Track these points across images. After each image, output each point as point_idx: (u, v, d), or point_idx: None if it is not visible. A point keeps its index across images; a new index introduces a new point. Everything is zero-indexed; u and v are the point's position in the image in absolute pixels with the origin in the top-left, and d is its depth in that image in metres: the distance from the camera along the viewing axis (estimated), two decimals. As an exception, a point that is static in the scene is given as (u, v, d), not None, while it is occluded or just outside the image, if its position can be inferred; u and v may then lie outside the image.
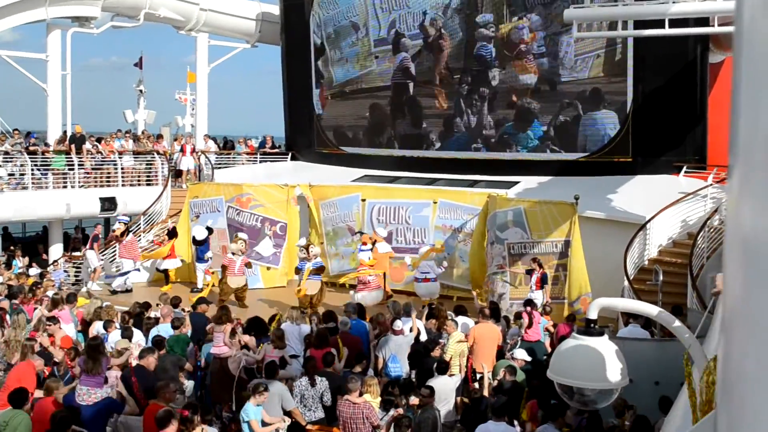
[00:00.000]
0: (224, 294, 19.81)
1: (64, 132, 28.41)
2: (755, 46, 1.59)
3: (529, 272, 17.82)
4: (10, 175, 24.46)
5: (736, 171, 1.72)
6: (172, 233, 22.34)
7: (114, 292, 21.00)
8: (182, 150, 28.20)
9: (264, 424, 10.51)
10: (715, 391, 3.93)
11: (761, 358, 1.50)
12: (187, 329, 14.09)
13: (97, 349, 11.12)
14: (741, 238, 1.65)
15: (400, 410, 10.82)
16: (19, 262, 23.81)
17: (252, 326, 14.19)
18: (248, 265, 20.35)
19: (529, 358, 13.00)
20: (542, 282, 17.51)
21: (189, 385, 12.47)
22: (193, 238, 21.69)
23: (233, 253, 20.38)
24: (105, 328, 14.38)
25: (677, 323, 4.90)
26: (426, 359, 12.85)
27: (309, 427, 10.84)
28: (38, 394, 10.92)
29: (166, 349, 12.78)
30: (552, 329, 14.85)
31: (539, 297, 17.01)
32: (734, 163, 1.73)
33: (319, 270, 19.24)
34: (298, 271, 19.60)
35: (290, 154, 30.87)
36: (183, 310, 16.06)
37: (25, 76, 27.88)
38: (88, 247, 22.73)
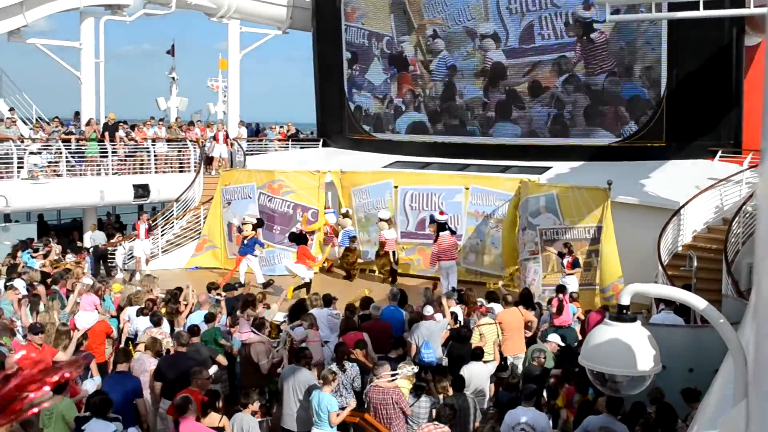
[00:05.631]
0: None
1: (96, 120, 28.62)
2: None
3: (561, 255, 17.77)
4: (50, 162, 24.74)
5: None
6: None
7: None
8: (215, 137, 28.36)
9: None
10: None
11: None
12: (221, 317, 14.17)
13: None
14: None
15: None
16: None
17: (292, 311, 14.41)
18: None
19: (562, 343, 12.96)
20: (573, 266, 17.45)
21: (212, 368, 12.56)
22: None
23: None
24: (137, 314, 14.64)
25: (709, 308, 4.85)
26: (459, 345, 12.86)
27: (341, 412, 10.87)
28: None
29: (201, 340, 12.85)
30: (582, 316, 14.80)
31: (572, 281, 16.95)
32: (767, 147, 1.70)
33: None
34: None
35: (321, 141, 30.94)
36: (219, 294, 16.22)
37: (59, 64, 28.12)
38: (140, 235, 22.98)
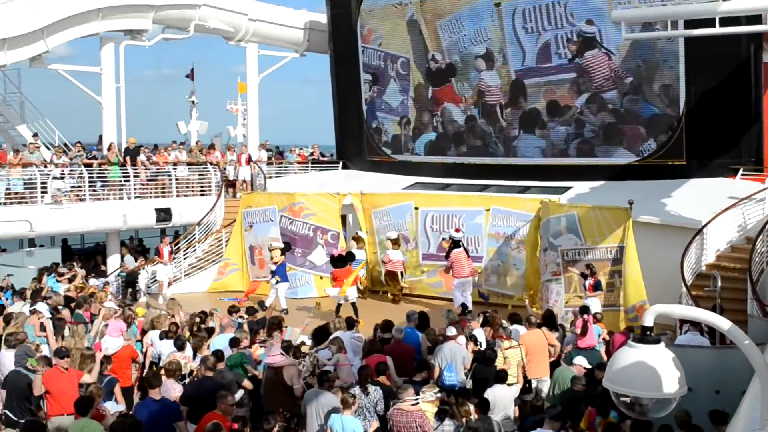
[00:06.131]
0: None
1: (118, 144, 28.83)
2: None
3: (584, 276, 17.69)
4: (73, 187, 24.93)
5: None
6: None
7: None
8: (238, 160, 28.55)
9: None
10: None
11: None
12: (246, 341, 14.18)
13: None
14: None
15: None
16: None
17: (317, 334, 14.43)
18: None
19: (588, 366, 12.85)
20: (595, 288, 17.34)
21: (238, 393, 12.57)
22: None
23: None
24: (160, 338, 14.73)
25: (733, 329, 4.82)
26: (484, 368, 12.80)
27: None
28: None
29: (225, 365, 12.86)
30: (607, 337, 14.70)
31: (594, 303, 16.83)
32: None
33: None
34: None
35: (341, 163, 31.04)
36: (241, 317, 16.25)
37: (80, 89, 28.36)
38: (164, 258, 23.05)
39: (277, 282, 20.37)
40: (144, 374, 13.85)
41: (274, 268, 20.63)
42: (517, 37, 24.90)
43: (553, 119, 24.67)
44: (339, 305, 19.35)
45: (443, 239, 20.86)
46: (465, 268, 19.59)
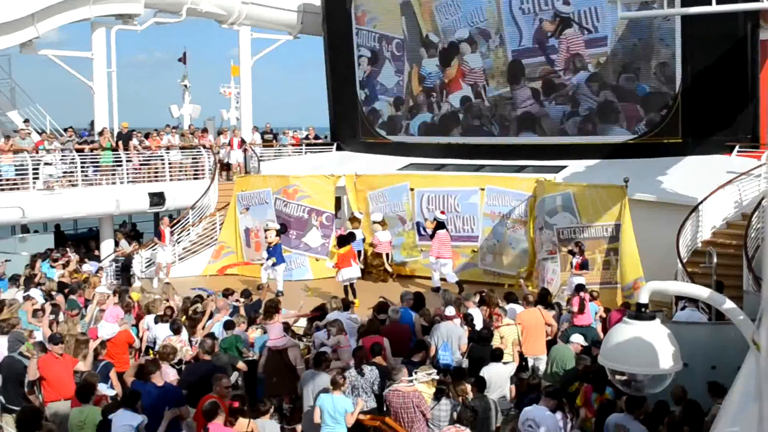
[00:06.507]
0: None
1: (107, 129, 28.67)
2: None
3: (572, 254, 17.63)
4: (66, 172, 24.78)
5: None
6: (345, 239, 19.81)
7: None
8: (230, 143, 28.40)
9: None
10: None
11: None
12: (244, 326, 14.14)
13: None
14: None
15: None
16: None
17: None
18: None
19: (585, 343, 12.85)
20: (582, 267, 17.23)
21: (233, 375, 12.55)
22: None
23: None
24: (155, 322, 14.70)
25: (729, 304, 4.78)
26: (480, 347, 12.78)
27: (361, 416, 10.83)
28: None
29: (220, 347, 12.81)
30: (604, 315, 14.68)
31: (580, 281, 16.77)
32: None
33: None
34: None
35: (335, 145, 30.93)
36: (237, 300, 16.21)
37: (71, 74, 28.21)
38: (163, 241, 22.92)
39: (273, 264, 20.25)
40: (140, 359, 13.85)
41: (266, 254, 20.56)
42: (513, 18, 24.74)
43: (548, 98, 24.56)
44: (346, 287, 19.28)
45: (426, 219, 20.89)
46: (449, 248, 19.92)
